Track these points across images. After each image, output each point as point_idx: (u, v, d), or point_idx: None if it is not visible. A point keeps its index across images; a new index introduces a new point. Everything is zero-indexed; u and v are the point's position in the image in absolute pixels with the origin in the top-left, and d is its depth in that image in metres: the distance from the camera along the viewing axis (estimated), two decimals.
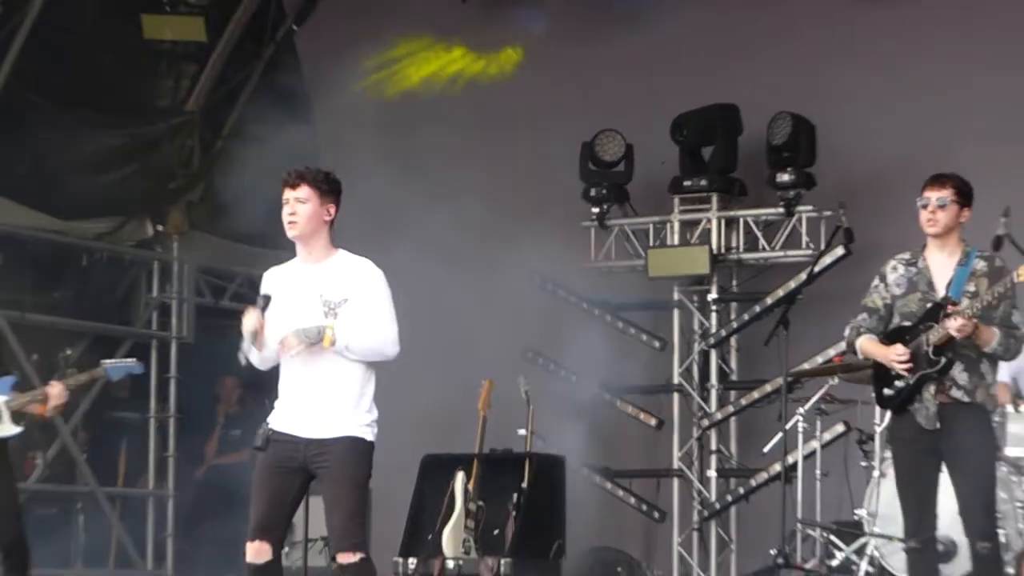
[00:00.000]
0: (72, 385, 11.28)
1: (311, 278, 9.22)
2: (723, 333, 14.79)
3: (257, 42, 16.42)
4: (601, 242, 15.06)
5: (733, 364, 14.92)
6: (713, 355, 14.86)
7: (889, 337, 9.61)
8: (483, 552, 12.97)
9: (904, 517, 9.73)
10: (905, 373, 9.47)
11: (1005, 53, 14.01)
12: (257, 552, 9.29)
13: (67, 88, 14.52)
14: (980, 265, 9.58)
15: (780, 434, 12.74)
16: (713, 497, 14.70)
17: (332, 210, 9.27)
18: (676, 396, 14.91)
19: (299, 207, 9.18)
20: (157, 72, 15.66)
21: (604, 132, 14.68)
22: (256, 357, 9.21)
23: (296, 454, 9.25)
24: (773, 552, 12.36)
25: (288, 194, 9.21)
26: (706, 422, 14.78)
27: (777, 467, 13.05)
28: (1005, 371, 12.14)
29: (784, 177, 14.20)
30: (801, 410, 12.54)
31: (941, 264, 9.64)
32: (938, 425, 9.44)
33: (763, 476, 14.03)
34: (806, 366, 13.39)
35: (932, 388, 9.45)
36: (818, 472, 12.47)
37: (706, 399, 14.84)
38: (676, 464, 14.85)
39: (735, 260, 14.79)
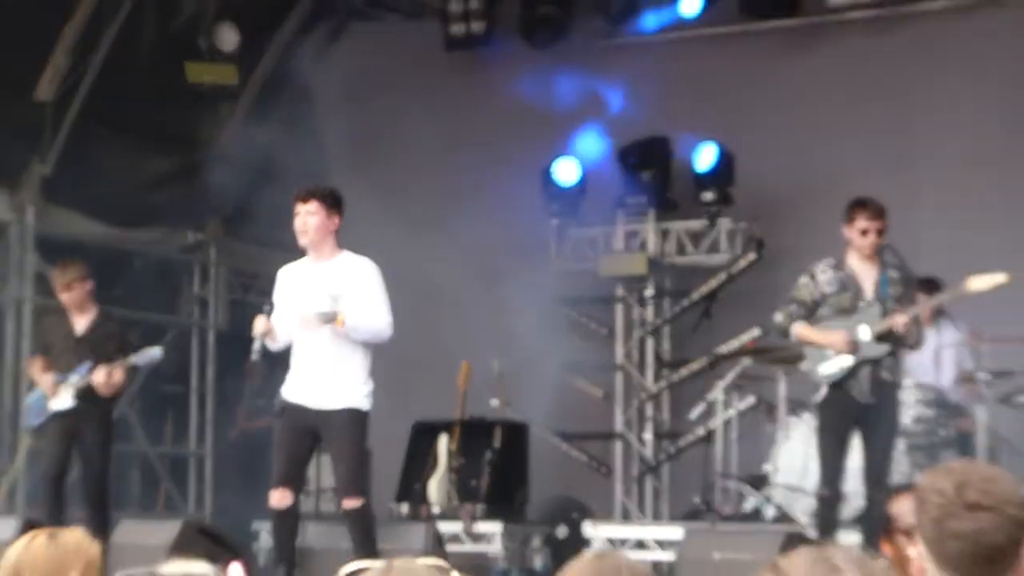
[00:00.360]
0: (112, 372, 11.17)
1: (318, 274, 9.27)
2: (658, 322, 14.82)
3: (280, 84, 16.39)
4: (560, 248, 15.06)
5: (666, 347, 14.93)
6: (650, 340, 14.88)
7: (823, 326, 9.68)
8: (462, 499, 12.98)
9: (822, 470, 9.79)
10: (850, 354, 9.59)
11: (884, 97, 14.05)
12: (280, 499, 9.35)
13: (126, 121, 14.50)
14: (894, 273, 9.84)
15: (703, 404, 12.79)
16: (649, 455, 14.72)
17: (336, 221, 9.33)
18: (620, 374, 14.93)
19: (309, 219, 9.23)
20: (198, 109, 15.63)
21: (561, 159, 14.68)
22: (271, 347, 9.28)
23: (307, 420, 9.31)
24: (697, 500, 12.42)
25: (300, 207, 9.25)
26: (644, 395, 14.82)
27: (701, 431, 13.09)
28: None
29: (708, 195, 14.22)
30: (721, 384, 12.58)
31: (864, 271, 9.82)
32: (869, 400, 9.57)
33: (689, 438, 13.99)
34: (724, 349, 13.42)
35: (867, 370, 9.58)
36: (734, 435, 12.52)
37: (644, 376, 14.87)
38: (619, 429, 14.88)
39: (668, 263, 14.78)
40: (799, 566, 2.63)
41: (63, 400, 11.28)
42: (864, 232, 9.76)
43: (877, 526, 9.85)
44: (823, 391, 9.84)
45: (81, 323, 11.56)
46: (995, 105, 13.68)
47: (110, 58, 14.47)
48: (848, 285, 9.82)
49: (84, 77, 14.45)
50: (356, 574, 2.70)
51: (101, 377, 11.14)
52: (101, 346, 11.40)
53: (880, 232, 9.80)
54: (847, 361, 9.68)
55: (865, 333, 9.65)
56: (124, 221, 15.18)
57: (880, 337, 9.67)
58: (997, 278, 9.81)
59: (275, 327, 9.34)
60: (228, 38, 14.41)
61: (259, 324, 9.33)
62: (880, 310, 9.73)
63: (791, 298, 9.88)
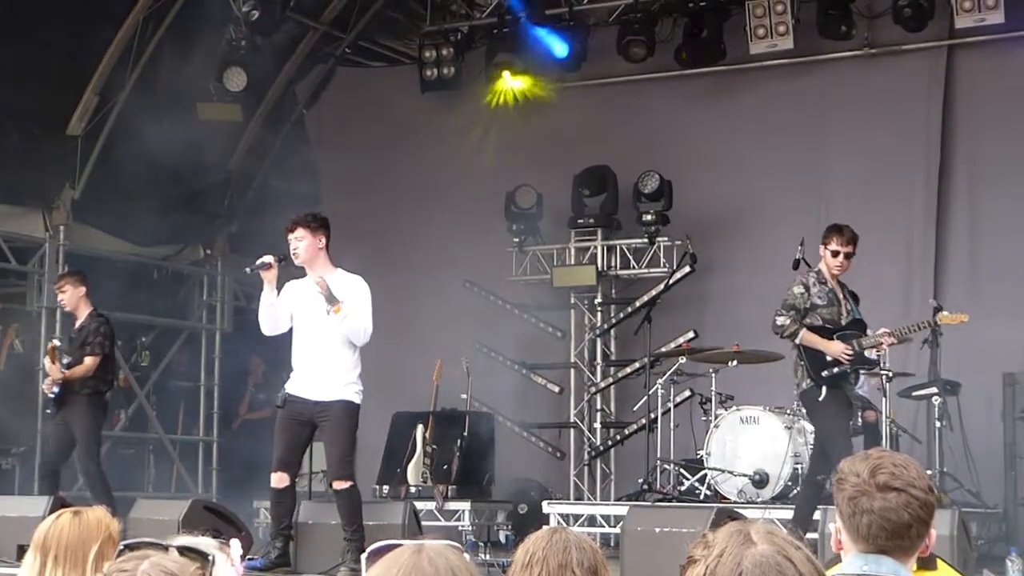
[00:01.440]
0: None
1: (315, 289, 9.21)
2: (605, 326, 14.78)
3: (278, 120, 16.36)
4: (519, 262, 15.00)
5: (612, 348, 14.90)
6: (599, 342, 14.84)
7: (821, 333, 9.70)
8: (436, 481, 12.93)
9: (834, 458, 9.72)
10: (846, 363, 9.56)
11: (798, 133, 14.08)
12: (279, 480, 9.30)
13: (145, 152, 14.44)
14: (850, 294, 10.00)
15: (645, 397, 12.76)
16: (598, 442, 14.68)
17: (323, 240, 9.29)
18: (572, 371, 14.88)
19: (298, 244, 9.22)
20: (208, 141, 15.57)
21: (521, 186, 14.66)
22: (266, 316, 9.26)
23: (305, 410, 9.26)
24: (640, 481, 12.38)
25: (289, 236, 9.25)
26: (593, 389, 14.76)
27: (643, 421, 13.06)
28: None
29: (648, 216, 14.20)
30: (660, 380, 12.54)
31: (837, 287, 9.88)
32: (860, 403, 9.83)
33: (633, 427, 14.01)
34: (663, 350, 13.39)
35: (852, 375, 9.85)
36: (672, 424, 12.49)
37: (593, 372, 14.82)
38: (572, 419, 14.82)
39: (614, 275, 14.75)
40: (722, 537, 2.63)
41: (50, 389, 11.36)
42: (835, 254, 9.73)
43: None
44: (823, 391, 9.75)
45: (77, 322, 11.68)
46: (893, 142, 13.72)
47: (132, 97, 14.45)
48: (834, 300, 9.82)
49: (110, 114, 14.43)
50: (379, 553, 2.63)
51: (49, 367, 11.27)
52: (81, 341, 11.47)
53: (848, 256, 9.75)
54: (847, 368, 9.71)
55: (859, 345, 9.74)
56: (143, 239, 15.16)
57: (870, 350, 9.85)
58: (961, 317, 10.22)
59: (276, 276, 9.31)
60: (237, 80, 14.34)
61: (270, 258, 9.30)
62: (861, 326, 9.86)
63: (790, 305, 9.84)
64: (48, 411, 11.54)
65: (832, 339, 9.70)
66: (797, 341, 9.78)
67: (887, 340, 9.73)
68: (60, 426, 11.34)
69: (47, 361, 11.30)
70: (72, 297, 11.60)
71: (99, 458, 11.34)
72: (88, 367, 11.30)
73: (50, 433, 11.64)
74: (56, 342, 11.40)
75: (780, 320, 9.80)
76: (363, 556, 2.69)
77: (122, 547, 2.84)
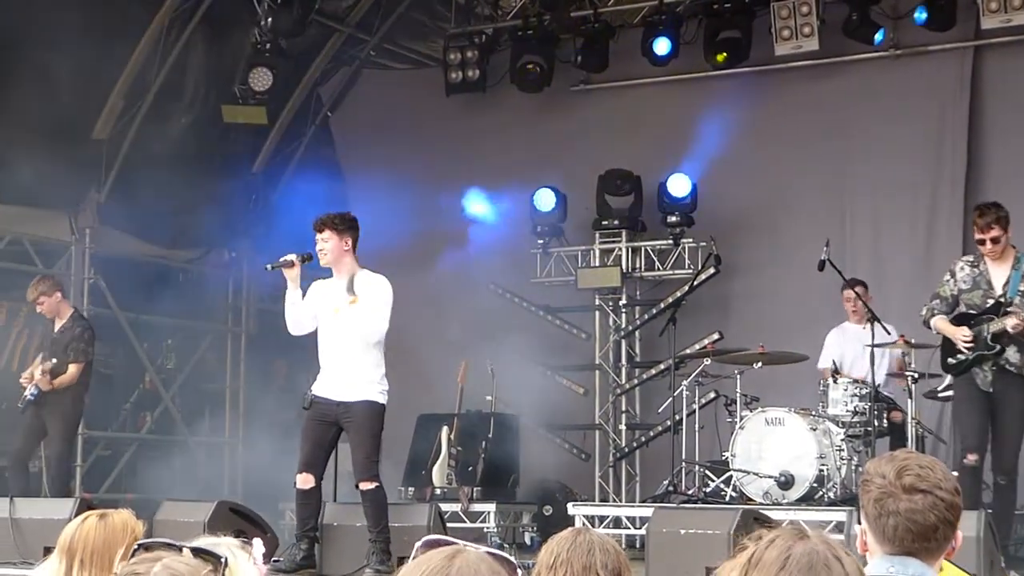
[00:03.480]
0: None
1: (341, 288, 9.23)
2: (630, 328, 14.77)
3: (303, 123, 16.39)
4: (544, 264, 15.00)
5: (637, 349, 14.89)
6: (623, 343, 14.83)
7: (956, 320, 9.52)
8: (460, 482, 12.92)
9: (963, 440, 9.60)
10: (967, 350, 9.41)
11: (823, 134, 14.05)
12: (304, 481, 9.30)
13: (169, 156, 14.50)
14: None
15: (670, 399, 12.72)
16: (623, 443, 14.66)
17: (350, 242, 9.29)
18: (597, 372, 14.87)
19: (324, 245, 9.22)
20: (233, 144, 15.61)
21: (541, 188, 14.66)
22: (290, 315, 9.30)
23: (330, 411, 9.27)
24: (665, 483, 12.35)
25: (317, 236, 9.26)
26: (618, 390, 14.75)
27: (668, 422, 13.04)
28: (827, 355, 12.17)
29: (673, 218, 14.20)
30: (685, 382, 12.51)
31: (997, 268, 9.48)
32: (991, 389, 9.38)
33: (658, 429, 14.00)
34: (688, 351, 13.37)
35: (988, 363, 9.39)
36: (697, 426, 12.45)
37: (618, 374, 14.81)
38: (597, 420, 14.81)
39: (638, 276, 14.75)
40: (777, 531, 2.64)
41: (29, 391, 11.46)
42: (980, 242, 9.49)
43: (1006, 510, 9.68)
44: (947, 379, 9.72)
45: (57, 326, 11.78)
46: (919, 143, 13.69)
47: (157, 101, 14.49)
48: (980, 282, 9.53)
49: (135, 119, 14.47)
50: (431, 545, 2.63)
51: (36, 375, 11.42)
52: (64, 345, 11.57)
53: (995, 240, 9.39)
54: (968, 356, 9.49)
55: (986, 331, 9.43)
56: (168, 241, 15.20)
57: (996, 336, 9.40)
58: None
59: (299, 275, 9.34)
60: (262, 80, 14.36)
61: (293, 257, 9.33)
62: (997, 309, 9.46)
63: (935, 293, 9.69)
64: (20, 406, 11.59)
65: (969, 326, 9.49)
66: (932, 330, 9.69)
67: (1011, 323, 9.29)
68: (33, 420, 11.53)
69: (38, 372, 11.39)
70: (51, 304, 11.76)
71: (70, 457, 11.51)
72: (73, 375, 11.49)
73: (22, 427, 11.73)
74: (53, 361, 11.45)
75: (923, 310, 9.72)
76: (417, 544, 2.68)
77: (136, 547, 2.83)
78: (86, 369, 11.66)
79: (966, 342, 9.41)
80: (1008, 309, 9.34)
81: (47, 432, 11.59)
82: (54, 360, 11.44)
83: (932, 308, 9.66)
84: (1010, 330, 9.27)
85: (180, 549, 2.76)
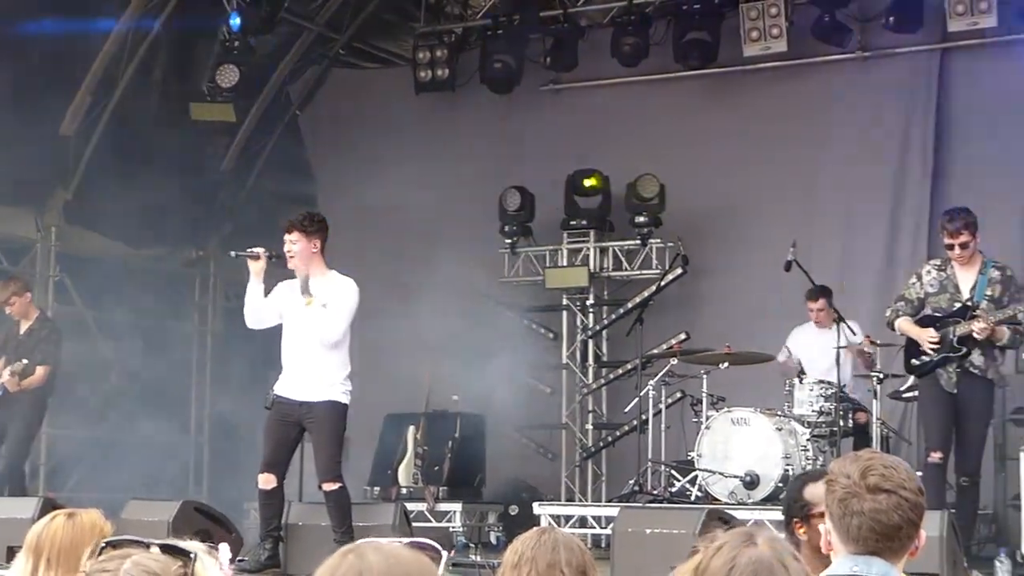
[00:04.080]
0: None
1: (312, 288, 9.20)
2: (597, 328, 14.78)
3: (271, 121, 16.34)
4: (512, 263, 15.01)
5: (604, 349, 14.90)
6: (590, 343, 14.83)
7: (921, 322, 9.56)
8: (427, 482, 12.91)
9: (927, 440, 9.68)
10: (932, 351, 9.45)
11: (791, 135, 14.09)
12: (266, 481, 9.28)
13: (137, 153, 14.45)
14: (995, 274, 9.52)
15: (637, 399, 12.74)
16: (590, 443, 14.68)
17: (318, 243, 9.24)
18: (564, 372, 14.88)
19: (292, 246, 9.18)
20: (200, 142, 15.56)
21: (509, 188, 14.66)
22: (249, 307, 9.27)
23: (293, 411, 9.23)
24: (631, 482, 12.37)
25: (286, 238, 9.22)
26: (585, 390, 14.76)
27: (635, 422, 13.05)
28: (785, 348, 12.21)
29: (641, 218, 14.22)
30: (651, 382, 12.52)
31: (964, 273, 9.53)
32: (955, 391, 9.42)
33: (625, 428, 14.00)
34: (655, 351, 13.38)
35: (952, 365, 9.44)
36: (663, 426, 12.47)
37: (585, 374, 14.82)
38: (564, 420, 14.82)
39: (606, 276, 14.76)
40: (727, 536, 2.68)
41: None
42: (948, 247, 9.53)
43: (969, 511, 9.72)
44: (910, 381, 9.84)
45: (23, 327, 11.75)
46: (886, 145, 13.75)
47: (125, 98, 14.43)
48: (947, 286, 9.58)
49: (103, 115, 14.40)
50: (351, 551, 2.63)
51: (4, 376, 11.40)
52: (32, 347, 11.54)
53: (964, 246, 9.41)
54: (934, 357, 9.53)
55: (952, 333, 9.47)
56: (135, 240, 15.13)
57: (962, 339, 9.44)
58: None
59: (263, 269, 9.28)
60: (229, 76, 14.30)
61: (260, 250, 9.29)
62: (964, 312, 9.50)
63: (900, 296, 9.78)
64: None
65: (935, 328, 9.53)
66: (896, 331, 9.74)
67: (977, 326, 9.33)
68: None
69: (6, 374, 11.35)
70: (21, 305, 11.74)
71: (26, 460, 11.50)
72: (40, 377, 11.47)
73: None
74: (24, 362, 11.40)
75: (888, 311, 9.78)
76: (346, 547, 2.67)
77: (104, 544, 2.82)
78: (53, 372, 11.62)
79: (932, 343, 9.46)
80: (975, 313, 9.41)
81: (6, 433, 11.52)
82: (25, 361, 11.38)
83: (897, 310, 9.73)
84: (976, 334, 9.34)
85: (148, 546, 2.75)
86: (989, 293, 9.47)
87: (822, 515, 4.00)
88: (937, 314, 9.57)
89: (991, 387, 9.66)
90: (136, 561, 2.66)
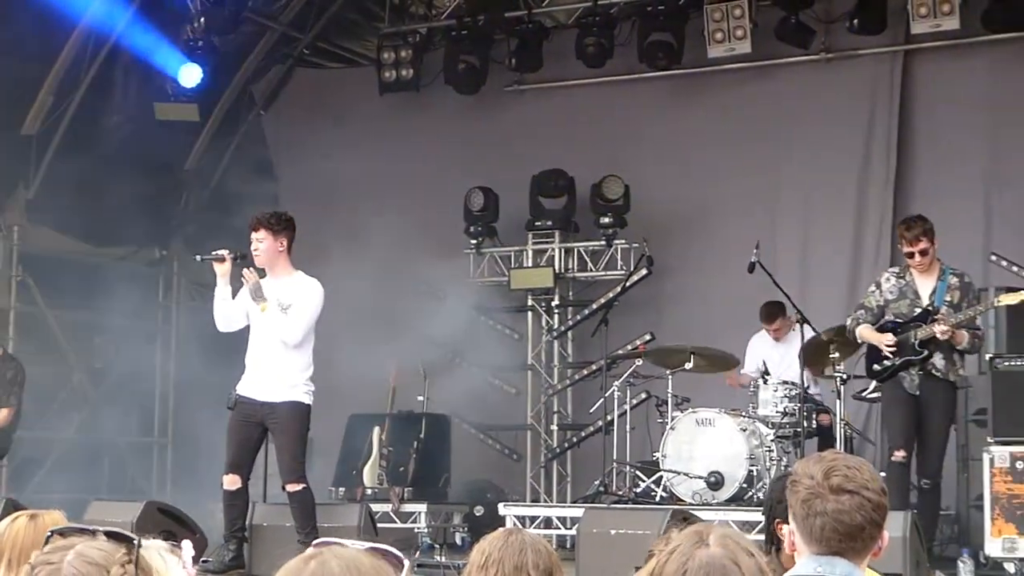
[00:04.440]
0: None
1: (272, 289, 9.18)
2: (562, 328, 14.80)
3: (235, 121, 16.31)
4: (477, 264, 15.02)
5: (569, 350, 14.92)
6: (556, 344, 14.86)
7: (881, 329, 9.65)
8: (392, 483, 12.91)
9: (891, 440, 9.73)
10: (891, 355, 9.53)
11: (755, 136, 14.13)
12: (231, 482, 9.26)
13: (100, 153, 14.39)
14: (953, 280, 9.66)
15: (601, 399, 12.76)
16: (555, 444, 14.69)
17: (284, 242, 9.22)
18: (529, 373, 14.88)
19: (259, 245, 9.16)
20: (164, 142, 15.50)
21: (473, 189, 14.67)
22: (218, 311, 9.24)
23: (255, 412, 9.21)
24: (596, 483, 12.39)
25: (252, 235, 9.19)
26: (551, 391, 14.78)
27: (600, 423, 13.07)
28: (752, 360, 12.26)
29: (606, 219, 14.24)
30: (616, 383, 12.55)
31: (923, 279, 9.66)
32: (918, 392, 9.50)
33: (590, 429, 14.02)
34: (620, 352, 13.41)
35: (915, 368, 9.53)
36: (628, 426, 12.50)
37: (550, 374, 14.84)
38: (529, 421, 14.82)
39: (571, 277, 14.78)
40: (680, 537, 2.71)
41: None
42: (909, 255, 9.66)
43: (931, 512, 9.78)
44: (872, 385, 9.96)
45: None
46: (850, 146, 13.81)
47: (88, 97, 14.37)
48: (907, 292, 9.71)
49: (65, 114, 14.34)
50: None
51: None
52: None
53: (924, 253, 9.55)
54: (895, 361, 9.63)
55: (914, 337, 9.58)
56: (98, 239, 15.07)
57: (923, 342, 9.55)
58: (1022, 295, 9.75)
59: (229, 270, 9.26)
60: (192, 76, 14.27)
61: (225, 252, 9.27)
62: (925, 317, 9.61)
63: (860, 304, 9.90)
64: None
65: (895, 333, 9.63)
66: (857, 338, 9.84)
67: (940, 329, 9.44)
68: None
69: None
70: None
71: None
72: (4, 418, 11.39)
73: None
74: None
75: (848, 320, 9.89)
76: (308, 551, 2.68)
77: (50, 533, 2.79)
78: (17, 412, 11.58)
79: (890, 347, 9.58)
80: (935, 317, 9.52)
81: None
82: None
83: (857, 318, 9.84)
84: (939, 336, 9.46)
85: (94, 533, 2.71)
86: (948, 299, 9.61)
87: None
88: (898, 320, 9.69)
89: (953, 389, 9.78)
90: (79, 551, 2.63)
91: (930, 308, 9.60)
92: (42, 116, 14.25)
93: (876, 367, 9.79)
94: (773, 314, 12.22)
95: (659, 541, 2.79)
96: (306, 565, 2.53)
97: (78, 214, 14.47)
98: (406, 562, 2.66)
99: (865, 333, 9.79)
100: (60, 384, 15.18)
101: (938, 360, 9.59)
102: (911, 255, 9.62)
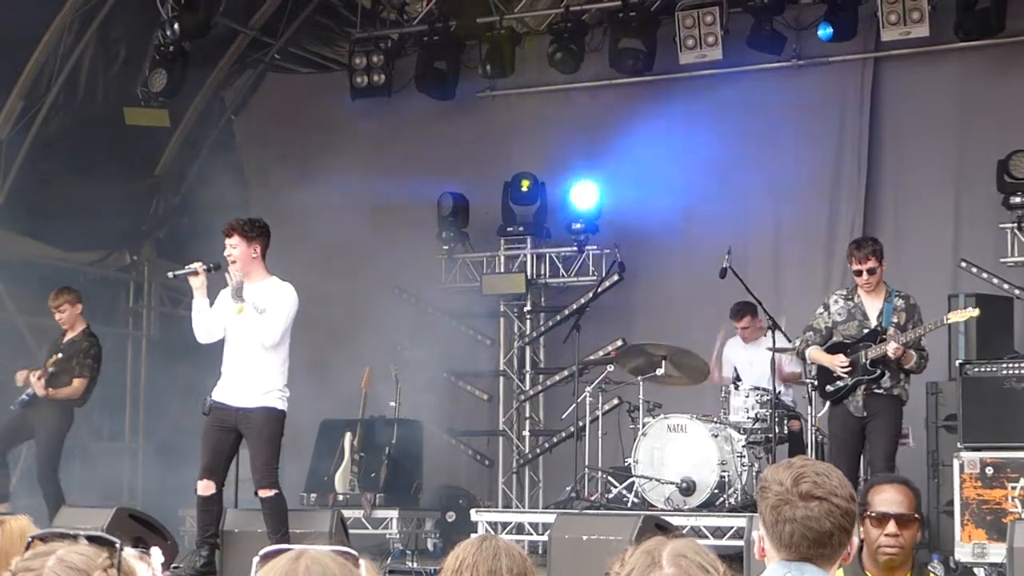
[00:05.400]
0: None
1: (247, 293, 9.20)
2: (534, 334, 14.83)
3: (206, 126, 16.28)
4: (449, 269, 15.02)
5: (541, 356, 14.95)
6: (527, 350, 14.88)
7: (831, 349, 9.74)
8: (363, 489, 12.91)
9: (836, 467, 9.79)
10: (845, 376, 9.62)
11: (725, 141, 14.18)
12: (205, 488, 9.27)
13: (70, 157, 14.35)
14: (899, 302, 9.79)
15: (573, 405, 12.79)
16: (527, 450, 14.71)
17: (258, 248, 9.25)
18: (501, 378, 14.91)
19: (233, 251, 9.18)
20: (135, 146, 15.47)
21: (445, 194, 14.68)
22: (197, 324, 9.24)
23: (229, 417, 9.23)
24: (568, 489, 12.42)
25: (226, 241, 9.20)
26: (522, 396, 14.80)
27: (572, 428, 13.10)
28: (730, 366, 12.31)
29: (577, 225, 14.27)
30: (588, 388, 12.59)
31: (871, 301, 9.78)
32: (863, 413, 9.58)
33: (562, 435, 14.04)
34: (592, 358, 13.45)
35: (862, 388, 9.61)
36: (600, 432, 12.52)
37: (522, 380, 14.86)
38: (501, 426, 14.84)
39: (543, 283, 14.81)
40: (634, 557, 2.73)
41: (26, 394, 11.53)
42: (857, 273, 9.78)
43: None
44: (826, 407, 10.00)
45: (67, 337, 11.80)
46: (821, 152, 13.88)
47: (58, 102, 14.33)
48: (855, 314, 9.84)
49: (35, 119, 14.29)
50: (271, 556, 2.64)
51: (30, 378, 11.51)
52: (70, 358, 11.59)
53: (871, 271, 9.70)
54: (848, 381, 9.74)
55: (864, 357, 9.69)
56: (68, 244, 15.02)
57: (875, 361, 9.67)
58: (971, 312, 9.99)
59: (204, 283, 9.28)
60: (158, 81, 14.25)
61: (198, 266, 9.29)
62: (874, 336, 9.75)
63: (808, 326, 9.98)
64: (12, 407, 11.63)
65: (845, 353, 9.74)
66: (807, 360, 9.96)
67: (891, 347, 9.58)
68: (20, 421, 11.56)
69: (34, 377, 11.32)
70: (70, 315, 11.83)
71: (58, 466, 11.48)
72: (76, 389, 11.54)
73: (9, 420, 11.73)
74: (52, 368, 11.40)
75: (797, 341, 10.00)
76: (255, 559, 2.70)
77: (31, 539, 2.79)
78: (89, 385, 11.60)
79: (843, 368, 9.67)
80: (883, 336, 9.64)
81: (31, 436, 11.62)
82: (53, 363, 11.36)
83: (806, 340, 9.93)
84: (891, 354, 9.62)
85: (76, 538, 2.71)
86: (895, 320, 9.76)
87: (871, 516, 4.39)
88: (847, 341, 9.79)
89: (897, 403, 9.88)
90: (60, 557, 2.63)
91: (879, 328, 9.72)
92: (12, 121, 14.20)
93: (829, 388, 9.88)
94: (742, 312, 12.28)
95: (615, 560, 2.79)
96: (297, 563, 2.54)
97: (48, 219, 14.42)
98: (362, 561, 2.68)
99: (816, 355, 9.90)
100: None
101: (886, 380, 9.74)
102: (859, 273, 9.77)
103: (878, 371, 9.69)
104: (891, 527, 5.02)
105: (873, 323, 9.79)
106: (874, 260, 9.73)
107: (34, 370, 11.62)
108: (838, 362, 9.71)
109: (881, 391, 9.72)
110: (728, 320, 12.56)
